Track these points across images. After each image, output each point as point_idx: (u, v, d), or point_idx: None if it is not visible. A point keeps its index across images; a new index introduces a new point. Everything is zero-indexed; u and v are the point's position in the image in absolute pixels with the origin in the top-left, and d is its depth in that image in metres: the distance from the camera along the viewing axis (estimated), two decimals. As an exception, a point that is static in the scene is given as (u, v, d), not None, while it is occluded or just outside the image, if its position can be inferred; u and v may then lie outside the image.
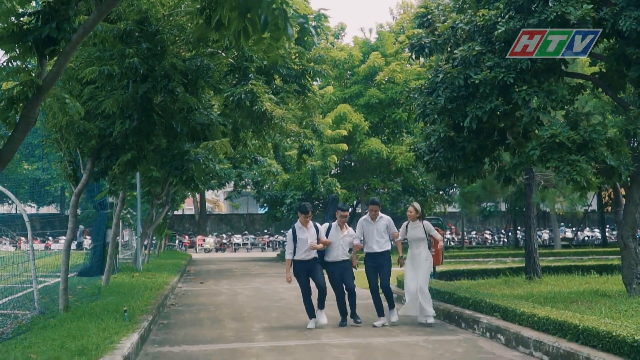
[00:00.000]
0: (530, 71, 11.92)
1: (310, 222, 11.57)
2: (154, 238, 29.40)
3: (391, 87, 33.70)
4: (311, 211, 11.63)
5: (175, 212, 47.29)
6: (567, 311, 9.49)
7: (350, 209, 12.47)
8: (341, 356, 8.91)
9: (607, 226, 50.56)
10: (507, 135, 12.94)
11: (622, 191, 13.86)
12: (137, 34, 10.99)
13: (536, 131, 11.84)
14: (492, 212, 47.46)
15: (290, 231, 11.48)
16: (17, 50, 6.72)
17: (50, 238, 42.87)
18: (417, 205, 11.97)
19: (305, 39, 8.31)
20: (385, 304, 11.75)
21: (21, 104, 6.52)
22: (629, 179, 12.39)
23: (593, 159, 11.34)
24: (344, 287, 11.54)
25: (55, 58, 6.81)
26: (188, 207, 59.47)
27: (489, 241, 47.32)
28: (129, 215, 27.11)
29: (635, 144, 19.35)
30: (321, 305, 11.41)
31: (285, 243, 47.60)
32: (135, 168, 12.45)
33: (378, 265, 11.65)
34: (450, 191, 39.55)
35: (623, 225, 12.40)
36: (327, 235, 11.70)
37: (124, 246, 28.98)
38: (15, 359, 7.55)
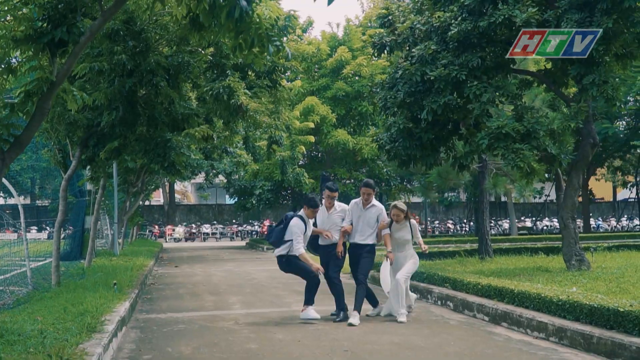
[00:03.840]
0: (480, 68, 13.16)
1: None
2: (127, 226, 30.35)
3: (358, 80, 34.96)
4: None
5: (145, 203, 48.11)
6: (506, 279, 10.84)
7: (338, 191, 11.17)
8: (314, 323, 10.12)
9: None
10: (460, 126, 14.25)
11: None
12: (123, 32, 12.04)
13: (486, 123, 13.13)
14: (453, 202, 48.96)
15: (300, 224, 10.03)
16: (32, 50, 7.80)
17: (21, 229, 43.36)
18: (401, 205, 10.56)
19: (280, 54, 9.39)
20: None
21: (35, 98, 7.60)
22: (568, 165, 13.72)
23: (535, 147, 12.69)
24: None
25: (65, 57, 7.91)
26: (156, 198, 60.23)
27: (452, 230, 48.79)
28: (106, 202, 28.02)
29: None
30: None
31: (253, 232, 48.23)
32: (120, 155, 13.58)
33: (358, 256, 10.38)
34: (413, 182, 40.93)
35: (563, 207, 13.74)
36: (315, 219, 10.65)
37: (97, 234, 29.86)
38: (23, 322, 8.56)
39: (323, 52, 36.20)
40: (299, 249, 9.89)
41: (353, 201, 10.65)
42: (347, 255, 10.56)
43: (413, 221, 10.61)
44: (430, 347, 8.05)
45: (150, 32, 12.37)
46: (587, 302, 7.98)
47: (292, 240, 9.95)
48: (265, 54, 7.18)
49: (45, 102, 7.63)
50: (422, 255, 10.91)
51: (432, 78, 13.21)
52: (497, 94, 13.21)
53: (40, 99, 7.58)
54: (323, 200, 10.74)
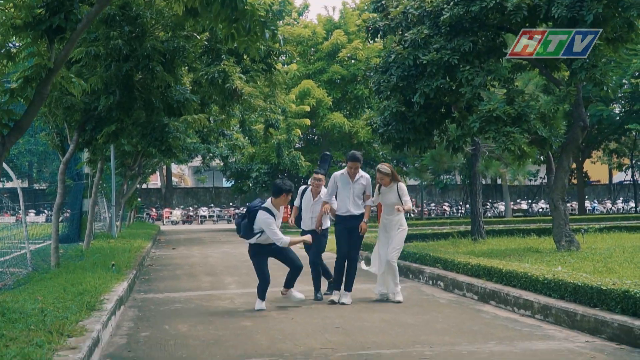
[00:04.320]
0: (472, 52, 13.35)
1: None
2: (124, 209, 30.60)
3: (354, 64, 35.16)
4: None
5: (143, 186, 48.36)
6: (496, 259, 11.10)
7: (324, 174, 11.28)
8: (306, 300, 10.38)
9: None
10: (452, 110, 14.46)
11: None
12: (119, 17, 12.19)
13: (477, 106, 13.33)
14: (448, 184, 49.21)
15: (267, 217, 9.41)
16: (31, 37, 7.99)
17: (20, 212, 43.58)
18: (385, 167, 10.18)
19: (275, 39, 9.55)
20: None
21: (34, 83, 7.80)
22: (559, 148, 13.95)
23: (526, 130, 12.92)
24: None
25: (63, 44, 8.10)
26: (153, 181, 60.45)
27: (448, 213, 49.10)
28: (104, 186, 28.26)
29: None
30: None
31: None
32: (118, 138, 13.79)
33: (351, 229, 10.13)
34: (408, 165, 41.17)
35: (554, 189, 13.98)
36: (300, 200, 10.94)
37: (95, 217, 30.11)
38: (24, 301, 8.78)
39: (319, 35, 36.35)
40: (281, 240, 9.29)
41: (337, 173, 10.37)
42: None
43: (401, 183, 10.20)
44: (419, 324, 8.30)
45: (146, 17, 12.52)
46: (572, 281, 8.22)
47: (262, 231, 9.38)
48: (259, 42, 7.37)
49: (44, 87, 7.82)
50: (416, 236, 11.04)
51: (424, 62, 13.41)
52: (489, 78, 13.42)
53: (38, 84, 7.77)
54: (310, 182, 10.89)
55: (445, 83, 13.53)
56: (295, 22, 38.24)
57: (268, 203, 9.50)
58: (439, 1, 13.75)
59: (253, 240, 9.56)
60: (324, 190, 10.72)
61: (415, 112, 14.32)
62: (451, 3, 13.47)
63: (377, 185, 10.29)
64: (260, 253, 9.65)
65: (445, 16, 13.35)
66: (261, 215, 9.33)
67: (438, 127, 15.03)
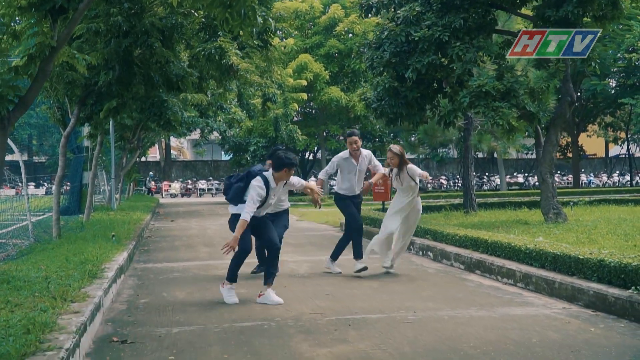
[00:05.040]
0: (463, 29, 13.65)
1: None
2: (124, 182, 31.00)
3: (351, 38, 35.37)
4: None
5: (142, 159, 48.74)
6: (483, 231, 11.50)
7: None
8: (297, 268, 10.80)
9: (558, 172, 53.23)
10: (443, 85, 14.79)
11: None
12: (118, -6, 12.49)
13: (467, 82, 13.67)
14: (445, 158, 49.52)
15: (260, 186, 8.03)
16: (35, 17, 8.31)
17: (20, 184, 44.01)
18: (395, 148, 10.08)
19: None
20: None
21: (38, 61, 8.13)
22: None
23: (515, 105, 13.29)
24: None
25: (65, 23, 8.42)
26: (152, 154, 60.77)
27: (445, 186, 49.45)
28: (103, 159, 28.64)
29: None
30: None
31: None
32: (118, 113, 14.15)
33: (356, 205, 10.36)
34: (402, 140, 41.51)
35: (542, 163, 14.34)
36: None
37: (95, 190, 30.55)
38: (27, 270, 9.13)
39: (316, 9, 36.53)
40: (245, 213, 7.83)
41: (339, 156, 10.40)
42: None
43: (410, 165, 9.96)
44: (405, 291, 8.70)
45: (146, -6, 12.83)
46: (552, 251, 8.61)
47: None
48: (253, 26, 7.70)
49: (47, 65, 8.15)
50: None
51: (416, 39, 13.74)
52: (480, 53, 13.74)
53: (42, 62, 8.10)
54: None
55: (437, 59, 13.86)
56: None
57: (269, 174, 8.19)
58: (432, -22, 14.04)
59: (235, 210, 8.31)
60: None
61: (407, 87, 14.66)
62: (443, -20, 13.76)
63: (389, 169, 10.10)
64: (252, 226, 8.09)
65: (437, -7, 13.65)
66: (254, 181, 8.05)
67: (430, 102, 15.36)
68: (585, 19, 13.35)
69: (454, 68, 13.64)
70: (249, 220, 7.81)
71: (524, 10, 14.93)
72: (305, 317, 7.17)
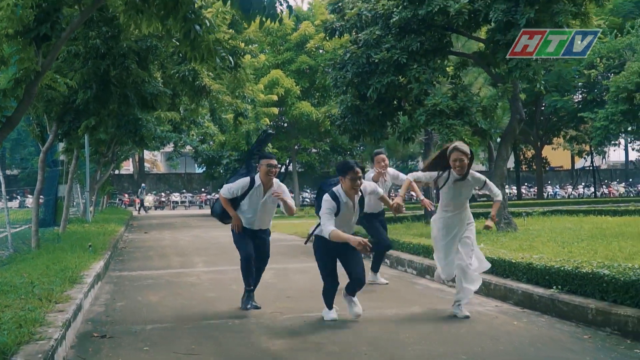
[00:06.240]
0: (420, 52, 14.65)
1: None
2: (97, 195, 31.61)
3: (321, 54, 36.35)
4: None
5: (115, 172, 49.23)
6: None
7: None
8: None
9: (525, 184, 54.63)
10: (402, 104, 15.78)
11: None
12: (97, 18, 13.27)
13: (424, 101, 14.64)
14: (414, 170, 50.41)
15: (329, 201, 7.42)
16: (21, 44, 9.12)
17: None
18: (464, 146, 7.70)
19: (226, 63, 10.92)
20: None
21: (24, 84, 8.94)
22: (498, 139, 15.33)
23: (467, 123, 14.28)
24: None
25: (49, 49, 9.24)
26: (126, 167, 61.25)
27: (414, 198, 50.29)
28: (78, 172, 29.20)
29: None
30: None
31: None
32: (96, 130, 14.97)
33: (379, 222, 10.55)
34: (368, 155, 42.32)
35: (494, 176, 15.28)
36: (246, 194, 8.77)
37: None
38: (11, 277, 9.83)
39: (288, 26, 37.42)
40: (325, 227, 7.28)
41: (371, 179, 9.78)
42: None
43: (477, 173, 7.86)
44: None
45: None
46: (490, 256, 9.52)
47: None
48: (214, 64, 8.63)
49: (33, 88, 8.96)
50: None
51: (376, 60, 14.71)
52: (435, 74, 14.74)
53: (27, 85, 8.92)
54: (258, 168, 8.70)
55: (396, 79, 14.85)
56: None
57: (338, 188, 7.53)
58: (390, 4, 15.03)
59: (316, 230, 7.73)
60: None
61: (369, 105, 15.62)
62: (400, 6, 14.74)
63: (439, 173, 7.75)
64: (328, 249, 7.64)
65: (395, 18, 14.64)
66: (325, 196, 7.48)
67: (391, 119, 16.33)
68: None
69: (412, 88, 14.59)
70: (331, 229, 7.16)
71: (477, 34, 15.93)
72: (266, 316, 8.04)
